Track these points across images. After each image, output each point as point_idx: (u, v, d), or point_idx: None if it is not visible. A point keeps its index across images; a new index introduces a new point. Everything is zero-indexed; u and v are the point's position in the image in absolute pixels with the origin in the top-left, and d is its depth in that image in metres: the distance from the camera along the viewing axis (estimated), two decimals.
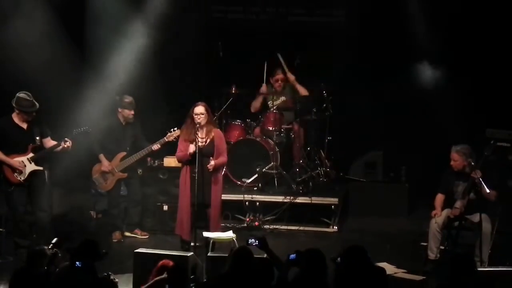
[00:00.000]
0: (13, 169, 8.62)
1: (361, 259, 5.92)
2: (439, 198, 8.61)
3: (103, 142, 9.65)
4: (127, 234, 9.80)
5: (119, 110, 9.68)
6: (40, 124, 8.84)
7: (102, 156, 9.65)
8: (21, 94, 8.65)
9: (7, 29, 10.41)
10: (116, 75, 10.93)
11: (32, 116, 8.69)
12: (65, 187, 11.19)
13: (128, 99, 9.66)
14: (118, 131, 9.69)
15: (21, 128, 8.70)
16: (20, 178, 8.66)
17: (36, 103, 8.67)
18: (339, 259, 5.95)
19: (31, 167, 8.69)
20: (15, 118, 8.70)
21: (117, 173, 9.66)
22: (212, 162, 8.46)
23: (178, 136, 8.89)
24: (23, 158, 8.67)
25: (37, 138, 8.76)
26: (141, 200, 9.94)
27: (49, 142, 8.87)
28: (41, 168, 8.78)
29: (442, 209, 8.52)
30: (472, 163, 8.29)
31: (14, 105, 8.64)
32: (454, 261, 6.05)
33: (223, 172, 9.01)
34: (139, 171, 9.98)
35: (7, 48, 10.33)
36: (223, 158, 8.65)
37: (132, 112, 9.66)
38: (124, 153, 9.66)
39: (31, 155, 8.71)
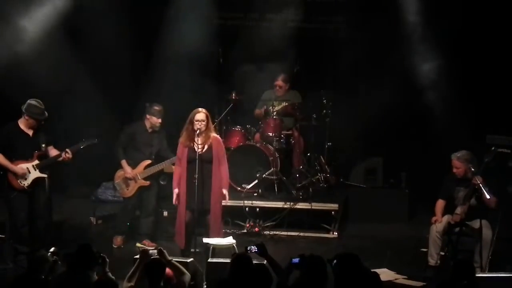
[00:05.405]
0: (17, 175, 8.59)
1: (354, 266, 5.91)
2: (440, 204, 8.61)
3: (127, 148, 9.55)
4: (137, 244, 9.45)
5: (147, 116, 9.51)
6: (46, 131, 8.81)
7: (124, 162, 9.50)
8: (32, 101, 8.61)
9: None
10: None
11: (39, 124, 8.66)
12: (65, 193, 11.20)
13: (158, 107, 9.50)
14: (143, 138, 9.55)
15: (27, 134, 8.66)
16: (24, 184, 8.63)
17: (45, 112, 8.66)
18: (335, 261, 5.95)
19: (35, 174, 8.66)
20: (22, 124, 8.65)
21: (140, 181, 9.49)
22: (226, 193, 8.53)
23: None
24: (29, 165, 8.64)
25: (43, 145, 8.73)
26: (155, 211, 9.72)
27: (52, 151, 8.85)
28: (45, 175, 8.72)
29: (443, 215, 8.52)
30: (473, 169, 8.29)
31: (24, 111, 8.60)
32: (456, 267, 6.05)
33: None
34: (162, 181, 9.85)
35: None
36: (226, 169, 8.58)
37: (160, 121, 9.49)
38: (149, 161, 9.51)
39: (36, 162, 8.67)
